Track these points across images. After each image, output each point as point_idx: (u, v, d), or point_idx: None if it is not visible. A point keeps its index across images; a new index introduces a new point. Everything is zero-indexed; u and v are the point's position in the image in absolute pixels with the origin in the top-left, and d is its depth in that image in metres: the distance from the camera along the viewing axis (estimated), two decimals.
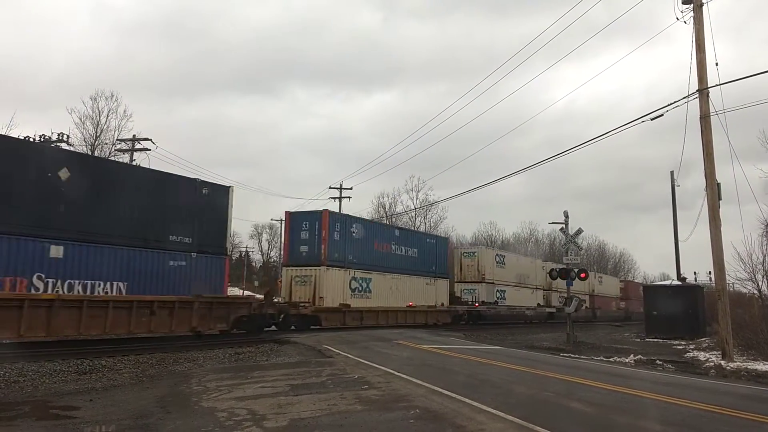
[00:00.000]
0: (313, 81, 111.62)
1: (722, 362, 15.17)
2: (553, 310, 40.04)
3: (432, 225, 55.80)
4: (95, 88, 45.56)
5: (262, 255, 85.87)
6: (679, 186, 32.75)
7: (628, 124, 18.15)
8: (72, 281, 15.38)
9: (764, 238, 21.38)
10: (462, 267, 34.80)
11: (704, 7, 16.47)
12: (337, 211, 38.11)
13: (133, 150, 33.89)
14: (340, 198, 43.86)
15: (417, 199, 55.77)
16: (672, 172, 33.02)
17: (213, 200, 19.72)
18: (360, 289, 25.58)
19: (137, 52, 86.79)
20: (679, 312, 25.90)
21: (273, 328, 20.71)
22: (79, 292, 15.30)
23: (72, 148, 29.68)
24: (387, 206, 56.44)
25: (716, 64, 16.22)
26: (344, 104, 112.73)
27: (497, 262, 35.92)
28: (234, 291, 41.33)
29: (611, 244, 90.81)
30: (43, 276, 14.81)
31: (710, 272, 32.21)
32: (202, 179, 20.29)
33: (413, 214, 54.90)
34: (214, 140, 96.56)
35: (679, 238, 33.19)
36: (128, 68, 78.18)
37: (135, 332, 15.71)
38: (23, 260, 14.50)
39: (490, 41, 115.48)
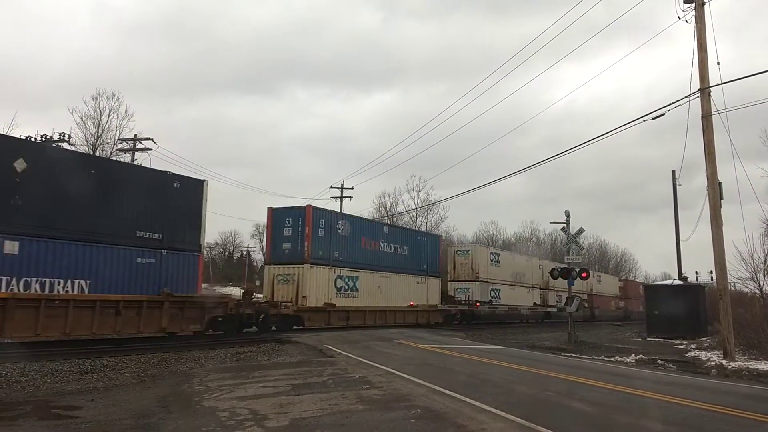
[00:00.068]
0: (313, 81, 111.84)
1: (724, 362, 15.16)
2: (551, 309, 39.95)
3: (433, 225, 55.83)
4: (96, 88, 45.60)
5: (264, 255, 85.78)
6: (680, 185, 32.61)
7: (629, 123, 18.14)
8: (29, 279, 14.36)
9: (766, 238, 21.36)
10: (456, 265, 34.34)
11: (706, 6, 16.45)
12: (339, 210, 38.06)
13: (134, 149, 33.89)
14: (341, 198, 43.87)
15: (418, 198, 55.79)
16: (673, 172, 32.92)
17: (185, 194, 18.68)
18: (346, 288, 24.82)
19: (138, 52, 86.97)
20: (680, 311, 25.87)
21: (254, 329, 20.01)
22: (36, 290, 14.34)
23: (74, 148, 29.68)
24: (388, 206, 56.49)
25: (718, 64, 16.24)
26: (344, 104, 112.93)
27: (492, 261, 35.43)
28: (235, 291, 41.32)
29: (612, 244, 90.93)
30: None
31: (711, 272, 32.24)
32: (173, 172, 19.26)
33: (414, 213, 54.92)
34: (215, 140, 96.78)
35: (681, 238, 33.10)
36: (129, 68, 78.38)
37: (99, 333, 14.98)
38: None
39: (491, 41, 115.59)
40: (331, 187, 44.33)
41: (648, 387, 10.36)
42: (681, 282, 30.16)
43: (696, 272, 54.63)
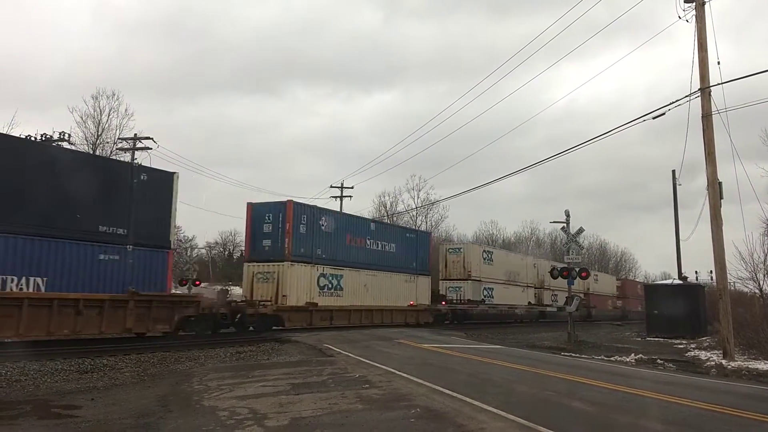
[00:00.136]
0: (313, 81, 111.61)
1: (723, 361, 15.17)
2: (546, 309, 39.69)
3: (433, 224, 55.78)
4: (96, 87, 45.60)
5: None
6: (680, 185, 32.64)
7: (629, 122, 18.16)
8: None
9: (766, 237, 21.37)
10: (447, 264, 33.68)
11: (706, 6, 16.45)
12: (338, 210, 38.03)
13: (134, 149, 33.88)
14: (341, 197, 43.81)
15: (418, 198, 55.74)
16: (673, 171, 32.92)
17: (153, 188, 17.66)
18: (330, 286, 23.85)
19: (138, 51, 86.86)
20: (680, 311, 25.89)
21: (231, 329, 19.35)
22: None
23: (73, 147, 29.67)
24: (388, 205, 56.44)
25: (718, 63, 16.25)
26: (345, 104, 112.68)
27: (484, 259, 34.77)
28: (236, 291, 41.15)
29: (612, 244, 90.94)
30: None
31: (711, 271, 32.19)
32: (141, 164, 18.41)
33: (414, 213, 54.90)
34: (215, 140, 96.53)
35: (681, 238, 33.12)
36: (129, 68, 78.23)
37: (56, 333, 14.27)
38: None
39: (491, 41, 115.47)
40: (331, 187, 44.31)
41: (648, 386, 10.36)
42: (681, 282, 30.18)
43: (696, 272, 54.60)
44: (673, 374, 13.56)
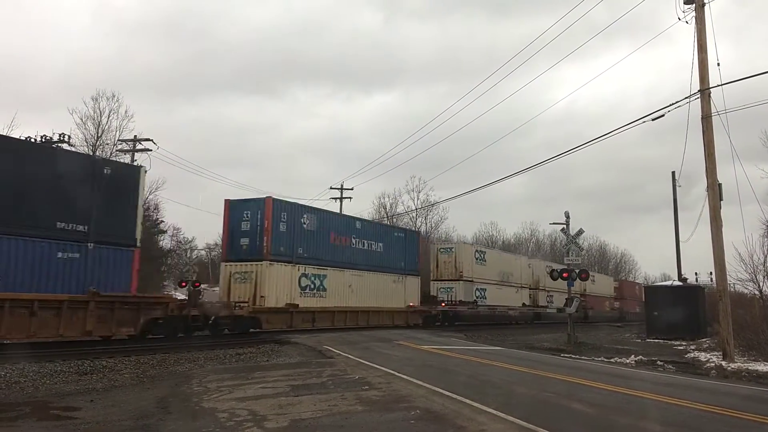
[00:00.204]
0: (313, 81, 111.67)
1: (723, 363, 15.17)
2: (541, 310, 39.15)
3: (433, 225, 55.77)
4: (96, 89, 45.54)
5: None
6: (680, 186, 32.70)
7: (629, 124, 18.17)
8: None
9: (765, 239, 21.38)
10: (438, 264, 32.82)
11: (706, 7, 16.47)
12: (338, 211, 38.02)
13: (134, 150, 33.89)
14: (341, 198, 43.81)
15: (418, 199, 55.69)
16: (673, 173, 32.99)
17: (118, 182, 16.71)
18: (312, 287, 22.79)
19: (138, 52, 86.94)
20: (680, 312, 25.89)
21: (206, 332, 18.43)
22: None
23: (73, 149, 29.66)
24: (388, 207, 56.40)
25: (718, 65, 16.27)
26: (345, 105, 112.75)
27: (477, 259, 33.89)
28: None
29: (612, 245, 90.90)
30: None
31: (711, 273, 32.27)
32: (105, 157, 17.28)
33: (414, 214, 54.89)
34: (215, 141, 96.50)
35: (681, 239, 33.17)
36: (129, 69, 78.31)
37: (7, 337, 13.41)
38: None
39: (492, 42, 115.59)
40: (331, 188, 44.31)
41: (647, 388, 10.36)
42: (681, 283, 30.21)
43: (696, 273, 54.67)
44: (673, 376, 13.56)
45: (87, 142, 35.15)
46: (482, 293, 33.71)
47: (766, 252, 20.87)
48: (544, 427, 6.76)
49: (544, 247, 76.07)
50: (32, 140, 24.31)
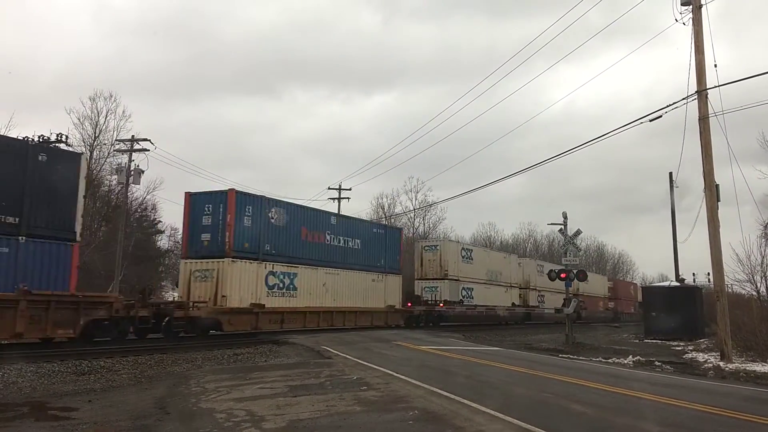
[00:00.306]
0: (313, 82, 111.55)
1: (721, 363, 15.19)
2: (532, 310, 38.52)
3: (431, 226, 55.85)
4: (94, 89, 45.52)
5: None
6: (678, 187, 32.80)
7: (627, 125, 18.16)
8: None
9: (763, 240, 21.41)
10: (423, 262, 31.79)
11: (703, 9, 16.52)
12: (337, 212, 37.97)
13: (131, 150, 33.84)
14: (339, 199, 43.77)
15: (416, 200, 55.77)
16: (670, 174, 33.07)
17: (54, 171, 15.35)
18: (281, 286, 21.36)
19: (138, 52, 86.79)
20: (677, 313, 25.94)
21: (160, 335, 17.33)
22: None
23: (71, 149, 29.61)
24: (386, 207, 56.44)
25: (715, 66, 16.29)
26: (344, 105, 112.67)
27: (463, 257, 32.83)
28: None
29: (610, 245, 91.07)
30: None
31: (709, 273, 32.23)
32: (38, 142, 15.97)
33: (412, 215, 54.92)
34: (214, 141, 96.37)
35: (678, 240, 33.26)
36: (129, 69, 78.14)
37: None
38: None
39: (491, 42, 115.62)
40: (329, 188, 44.29)
41: (645, 388, 10.38)
42: (678, 284, 30.26)
43: (693, 274, 54.84)
44: (670, 376, 13.59)
45: (84, 142, 35.24)
46: (469, 293, 32.86)
47: (763, 253, 20.92)
48: (543, 428, 6.76)
49: (542, 247, 76.18)
50: (29, 140, 24.26)
